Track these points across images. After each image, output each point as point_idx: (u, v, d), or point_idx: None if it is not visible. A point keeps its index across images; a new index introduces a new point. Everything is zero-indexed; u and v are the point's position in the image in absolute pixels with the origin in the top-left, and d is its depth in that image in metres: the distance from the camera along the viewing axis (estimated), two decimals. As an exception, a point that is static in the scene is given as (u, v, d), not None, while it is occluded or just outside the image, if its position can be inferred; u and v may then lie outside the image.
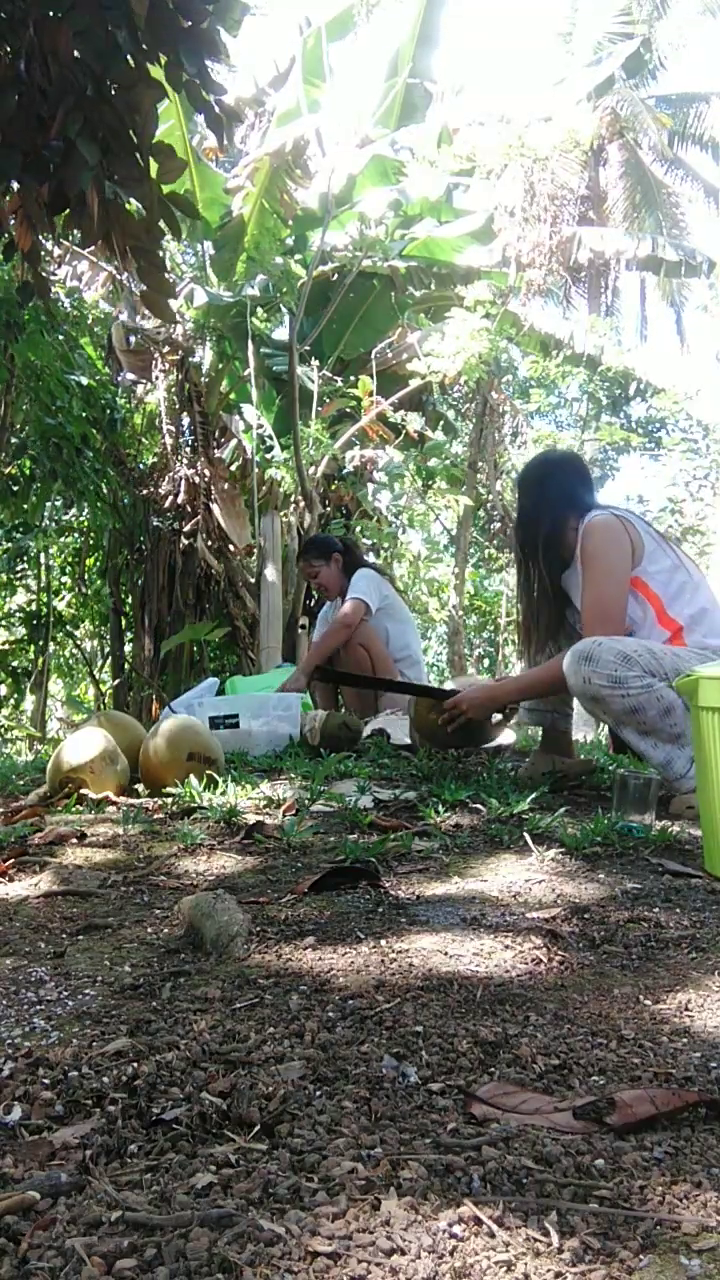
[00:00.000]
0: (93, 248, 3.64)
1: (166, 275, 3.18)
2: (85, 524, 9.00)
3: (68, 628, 10.06)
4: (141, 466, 8.54)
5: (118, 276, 7.42)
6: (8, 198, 2.80)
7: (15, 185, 2.75)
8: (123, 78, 2.65)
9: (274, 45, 8.43)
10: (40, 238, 2.95)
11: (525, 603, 2.87)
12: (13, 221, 2.81)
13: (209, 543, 8.01)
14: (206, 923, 1.48)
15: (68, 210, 2.79)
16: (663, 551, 2.67)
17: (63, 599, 9.84)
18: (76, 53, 2.57)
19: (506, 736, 3.20)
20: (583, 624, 2.66)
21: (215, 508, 7.98)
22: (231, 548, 8.09)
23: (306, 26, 8.00)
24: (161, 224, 2.94)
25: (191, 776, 2.67)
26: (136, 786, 2.87)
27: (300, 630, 8.03)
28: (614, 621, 2.56)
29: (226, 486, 8.09)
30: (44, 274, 3.20)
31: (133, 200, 2.89)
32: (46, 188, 2.71)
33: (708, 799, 1.94)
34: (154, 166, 2.87)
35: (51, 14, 2.50)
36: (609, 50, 14.70)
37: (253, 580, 8.24)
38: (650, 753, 2.50)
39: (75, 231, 2.89)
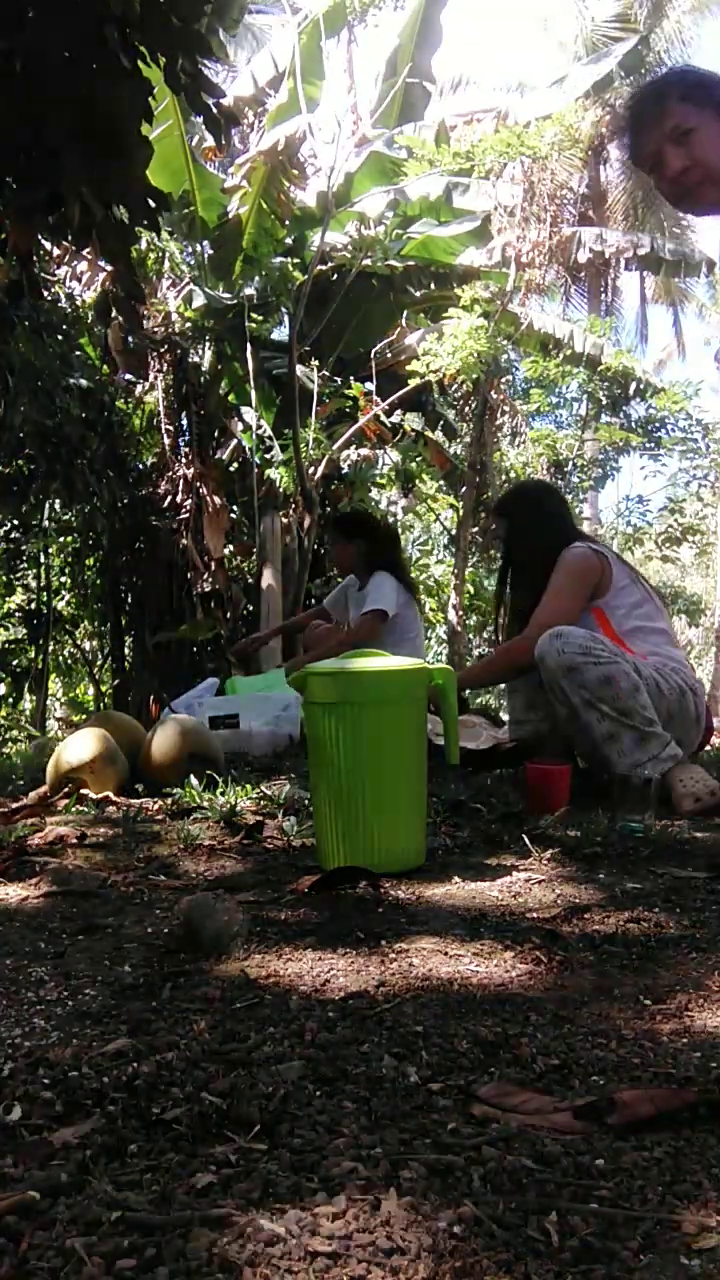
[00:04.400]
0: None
1: (138, 280, 3.20)
2: (77, 523, 8.99)
3: (67, 627, 10.05)
4: (140, 467, 8.53)
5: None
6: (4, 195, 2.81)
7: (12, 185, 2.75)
8: (108, 73, 2.64)
9: (274, 45, 8.40)
10: (38, 237, 2.95)
11: (501, 594, 3.26)
12: (8, 223, 2.82)
13: (197, 545, 8.02)
14: (206, 923, 1.48)
15: (62, 209, 2.79)
16: (632, 588, 2.92)
17: (62, 599, 9.83)
18: (66, 53, 2.57)
19: (485, 741, 3.20)
20: (531, 622, 2.87)
21: (204, 514, 7.98)
22: (206, 557, 8.09)
23: (303, 22, 7.99)
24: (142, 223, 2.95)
25: (191, 776, 2.67)
26: (137, 786, 2.87)
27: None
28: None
29: (217, 501, 8.08)
30: (39, 274, 3.21)
31: (115, 204, 2.88)
32: (41, 191, 2.71)
33: (318, 795, 1.99)
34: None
35: (41, 15, 2.50)
36: (607, 49, 14.70)
37: (227, 592, 8.24)
38: (615, 742, 2.56)
39: (66, 238, 2.90)
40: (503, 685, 3.22)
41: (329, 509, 8.29)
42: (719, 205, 2.03)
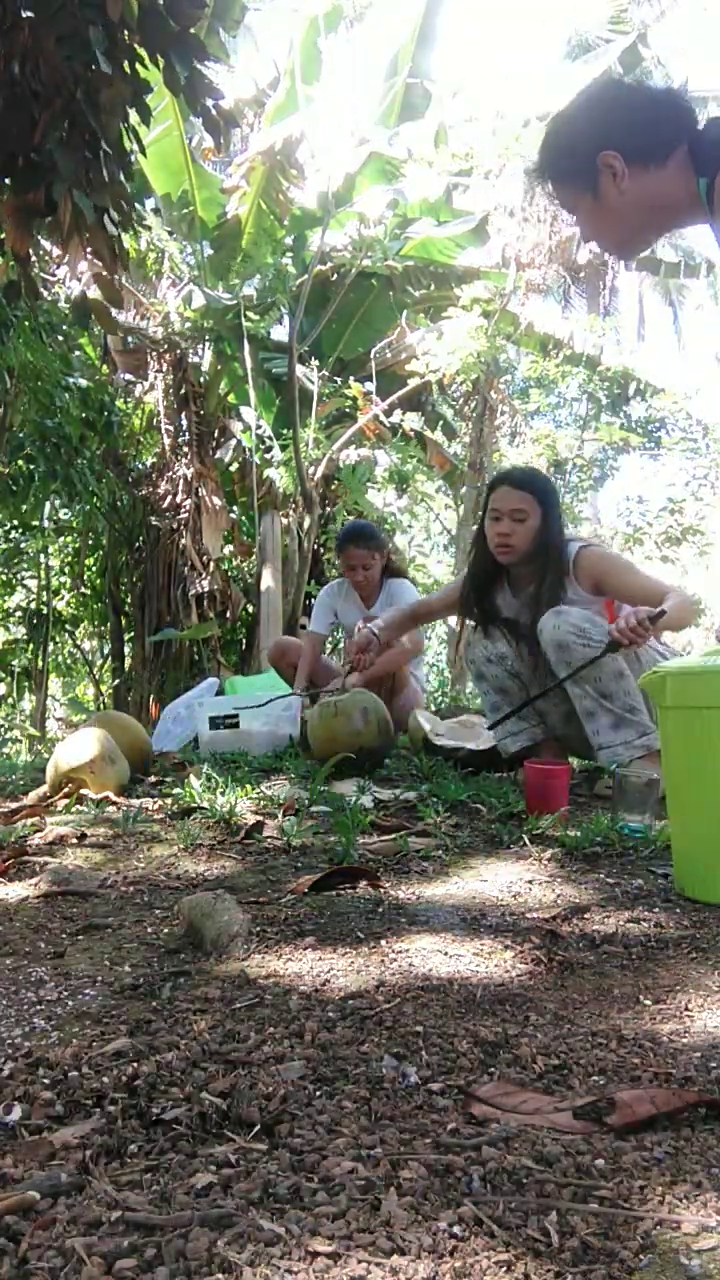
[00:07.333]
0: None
1: (116, 284, 3.21)
2: (76, 523, 8.99)
3: (67, 627, 10.05)
4: (140, 466, 8.53)
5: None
6: (4, 196, 2.81)
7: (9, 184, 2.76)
8: (98, 78, 2.65)
9: (275, 46, 8.43)
10: (35, 237, 2.96)
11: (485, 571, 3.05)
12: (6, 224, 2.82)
13: (196, 545, 8.02)
14: (206, 923, 1.48)
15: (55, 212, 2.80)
16: None
17: (62, 599, 9.84)
18: (63, 57, 2.58)
19: (485, 741, 3.19)
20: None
21: (203, 514, 7.98)
22: (205, 557, 8.08)
23: (302, 22, 7.99)
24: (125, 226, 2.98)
25: (192, 776, 2.67)
26: (136, 786, 2.87)
27: (301, 630, 8.01)
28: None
29: (216, 501, 8.06)
30: (38, 274, 3.23)
31: (108, 207, 2.89)
32: (39, 193, 2.72)
33: (676, 809, 1.82)
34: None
35: (37, 16, 2.51)
36: (603, 49, 14.68)
37: (226, 592, 8.24)
38: (593, 720, 2.67)
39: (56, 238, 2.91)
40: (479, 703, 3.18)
41: (328, 509, 8.28)
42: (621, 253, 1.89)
